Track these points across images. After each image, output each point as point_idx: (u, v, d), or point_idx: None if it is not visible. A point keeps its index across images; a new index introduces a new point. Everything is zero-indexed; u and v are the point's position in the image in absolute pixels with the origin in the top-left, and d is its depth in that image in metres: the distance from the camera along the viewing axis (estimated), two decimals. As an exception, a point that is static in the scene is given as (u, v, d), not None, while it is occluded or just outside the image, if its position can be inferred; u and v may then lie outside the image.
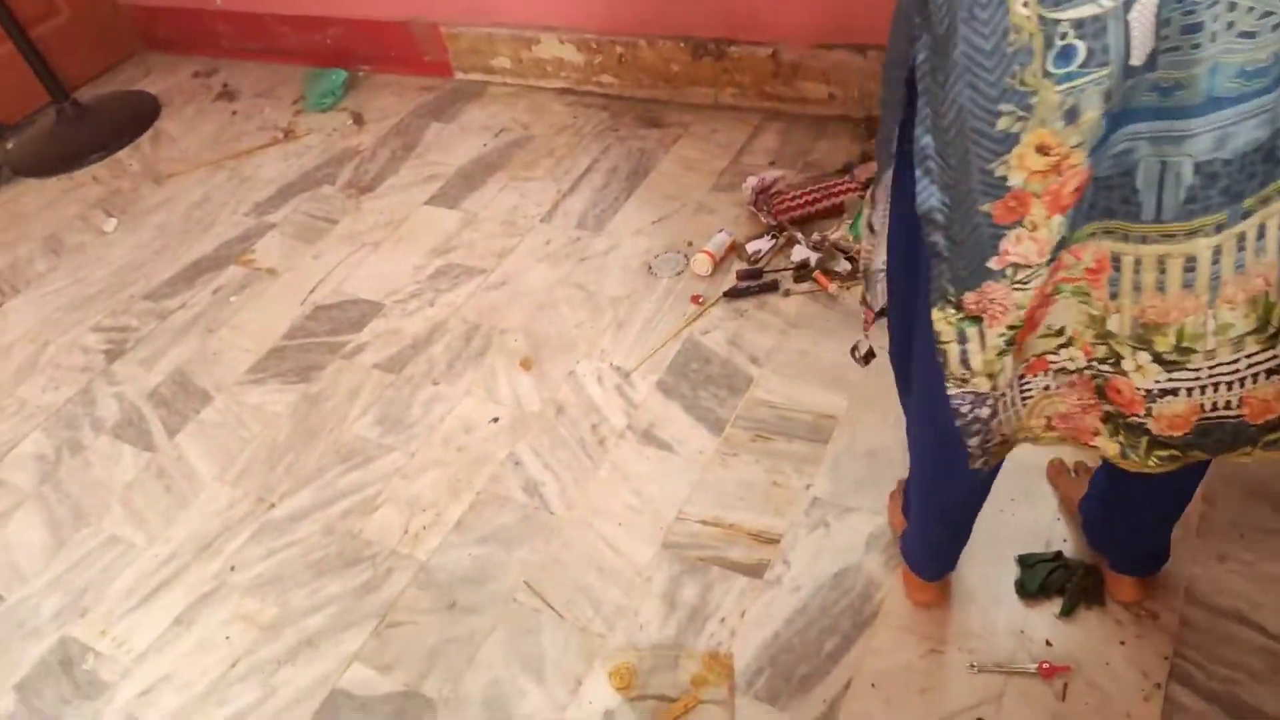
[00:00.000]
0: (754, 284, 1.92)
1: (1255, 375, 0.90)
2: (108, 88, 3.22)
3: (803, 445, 1.61)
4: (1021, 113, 0.76)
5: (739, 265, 1.98)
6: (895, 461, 1.54)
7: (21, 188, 2.81)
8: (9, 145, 2.98)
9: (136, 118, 2.99)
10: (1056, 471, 1.47)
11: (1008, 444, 1.08)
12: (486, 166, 2.45)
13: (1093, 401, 1.00)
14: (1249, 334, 0.87)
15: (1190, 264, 0.84)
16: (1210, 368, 0.90)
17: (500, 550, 1.56)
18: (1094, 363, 0.96)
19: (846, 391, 1.67)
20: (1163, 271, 0.85)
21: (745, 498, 1.55)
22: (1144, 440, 0.98)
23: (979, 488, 1.21)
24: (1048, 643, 1.29)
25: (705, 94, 2.47)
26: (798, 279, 1.92)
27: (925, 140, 0.84)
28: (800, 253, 1.94)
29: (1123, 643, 1.27)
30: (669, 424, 1.70)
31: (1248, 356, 0.89)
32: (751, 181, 2.10)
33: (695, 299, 1.92)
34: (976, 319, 0.92)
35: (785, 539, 1.48)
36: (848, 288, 1.87)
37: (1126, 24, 0.72)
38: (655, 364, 1.81)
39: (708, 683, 1.34)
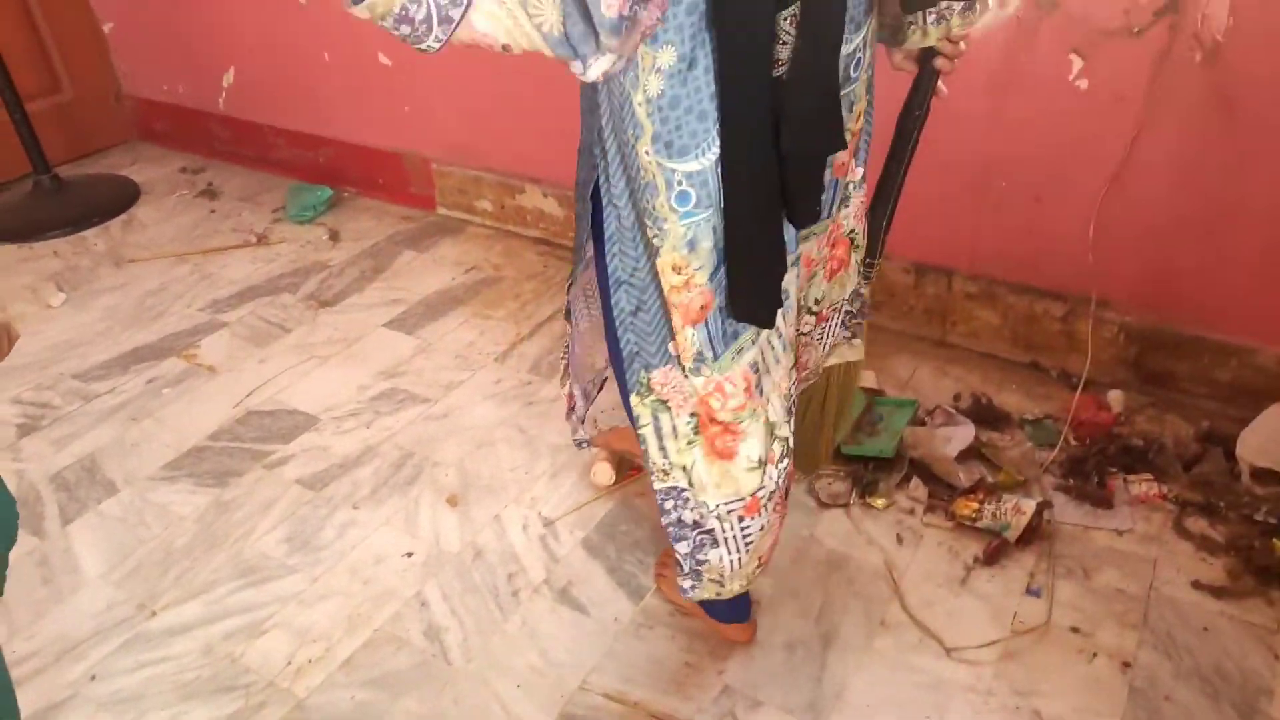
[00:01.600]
0: (695, 453, 1.91)
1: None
2: (93, 169, 3.25)
3: (721, 626, 1.55)
4: (656, 231, 0.98)
5: (683, 432, 1.97)
6: (814, 657, 1.49)
7: (-22, 250, 2.77)
8: (-23, 206, 2.97)
9: (113, 201, 3.00)
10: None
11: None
12: (451, 300, 2.47)
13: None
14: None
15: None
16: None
17: (385, 697, 1.45)
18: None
19: (772, 576, 1.63)
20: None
21: (654, 675, 1.48)
22: None
23: None
24: None
25: (674, 264, 2.55)
26: (739, 454, 1.91)
27: (612, 227, 1.05)
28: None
29: None
30: (588, 584, 1.64)
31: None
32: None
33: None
34: (665, 404, 1.12)
35: (689, 725, 1.40)
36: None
37: (717, 174, 0.93)
38: (584, 519, 1.77)
39: None
